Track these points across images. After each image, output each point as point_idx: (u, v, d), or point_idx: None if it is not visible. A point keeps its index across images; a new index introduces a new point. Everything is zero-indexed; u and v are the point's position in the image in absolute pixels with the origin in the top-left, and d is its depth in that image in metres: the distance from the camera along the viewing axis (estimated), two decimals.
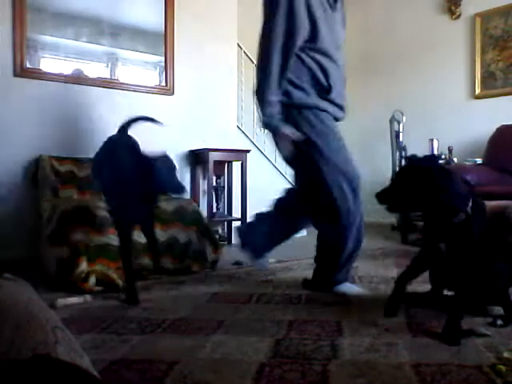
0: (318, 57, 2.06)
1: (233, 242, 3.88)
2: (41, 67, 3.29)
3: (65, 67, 3.38)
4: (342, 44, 2.16)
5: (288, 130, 2.04)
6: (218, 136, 3.98)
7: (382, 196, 1.70)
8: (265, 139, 4.78)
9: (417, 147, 3.79)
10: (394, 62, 5.18)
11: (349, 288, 2.24)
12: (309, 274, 2.64)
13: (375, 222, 4.56)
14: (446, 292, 1.97)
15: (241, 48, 4.38)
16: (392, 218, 4.55)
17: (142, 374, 1.28)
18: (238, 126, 4.23)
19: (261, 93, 2.07)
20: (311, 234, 4.44)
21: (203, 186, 3.91)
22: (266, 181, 4.26)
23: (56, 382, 0.58)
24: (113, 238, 2.49)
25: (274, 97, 2.03)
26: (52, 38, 3.35)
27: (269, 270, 2.75)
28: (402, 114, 4.19)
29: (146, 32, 3.75)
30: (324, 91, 2.09)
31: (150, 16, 3.73)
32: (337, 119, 2.24)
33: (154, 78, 3.82)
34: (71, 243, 2.36)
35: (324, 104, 2.11)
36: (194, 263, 2.75)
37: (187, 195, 3.79)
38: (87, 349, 1.45)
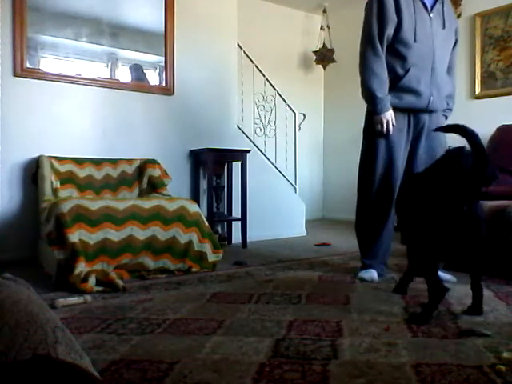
0: (398, 46, 2.38)
1: (233, 241, 3.89)
2: (41, 67, 3.29)
3: (65, 67, 3.38)
4: (435, 37, 2.41)
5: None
6: (218, 136, 3.98)
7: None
8: (265, 139, 4.78)
9: None
10: None
11: (366, 272, 2.49)
12: (309, 274, 2.65)
13: None
14: None
15: (241, 48, 4.38)
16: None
17: (142, 373, 1.28)
18: (238, 126, 4.23)
19: (363, 85, 2.43)
20: (311, 234, 4.45)
21: (203, 185, 3.92)
22: (266, 181, 4.26)
23: (56, 382, 0.58)
24: (111, 233, 2.51)
25: (375, 85, 2.37)
26: (52, 38, 3.35)
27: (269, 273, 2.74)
28: None
29: (146, 32, 3.75)
30: (398, 78, 2.39)
31: (150, 16, 3.73)
32: (415, 110, 2.44)
33: (154, 77, 3.82)
34: (69, 244, 2.36)
35: (390, 97, 2.39)
36: (194, 263, 2.75)
37: (187, 195, 3.79)
38: (87, 349, 1.46)
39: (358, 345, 1.50)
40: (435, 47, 2.38)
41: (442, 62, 2.45)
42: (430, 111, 2.45)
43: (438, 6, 2.43)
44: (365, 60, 2.39)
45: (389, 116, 2.37)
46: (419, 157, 2.47)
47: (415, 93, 2.38)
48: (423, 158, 2.46)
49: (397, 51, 2.38)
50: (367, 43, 2.38)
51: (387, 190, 2.45)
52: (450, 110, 2.64)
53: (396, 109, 2.41)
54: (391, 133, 2.40)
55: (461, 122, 1.79)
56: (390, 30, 2.35)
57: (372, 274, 2.46)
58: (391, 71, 2.40)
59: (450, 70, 2.56)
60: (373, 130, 2.44)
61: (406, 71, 2.37)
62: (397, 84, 2.39)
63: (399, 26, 2.35)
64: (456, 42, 2.56)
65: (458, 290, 2.22)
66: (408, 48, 2.36)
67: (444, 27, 2.43)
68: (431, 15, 2.40)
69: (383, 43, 2.37)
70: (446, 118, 2.64)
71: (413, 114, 2.44)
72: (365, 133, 2.53)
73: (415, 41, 2.35)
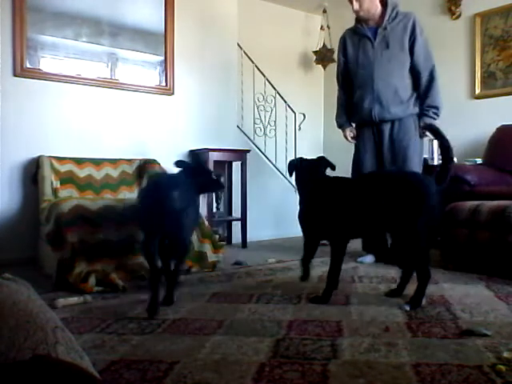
0: (351, 76, 3.02)
1: (233, 241, 3.89)
2: (41, 67, 3.28)
3: (65, 67, 3.38)
4: (378, 62, 2.87)
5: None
6: (218, 136, 3.98)
7: None
8: (265, 139, 4.78)
9: None
10: None
11: (366, 258, 3.02)
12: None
13: None
14: None
15: (241, 48, 4.38)
16: None
17: (142, 373, 1.28)
18: (238, 126, 4.23)
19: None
20: None
21: None
22: (266, 181, 4.26)
23: (56, 382, 0.58)
24: (111, 233, 2.50)
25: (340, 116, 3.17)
26: (52, 38, 3.35)
27: (271, 269, 2.75)
28: None
29: (146, 32, 3.75)
30: (352, 100, 3.02)
31: (149, 16, 3.73)
32: (372, 123, 2.93)
33: (154, 77, 3.81)
34: (69, 244, 2.36)
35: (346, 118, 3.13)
36: (194, 263, 2.75)
37: None
38: (87, 349, 1.46)
39: (358, 345, 1.50)
40: (374, 70, 2.84)
41: (384, 80, 2.83)
42: (383, 121, 2.87)
43: (381, 31, 2.83)
44: None
45: (346, 131, 3.08)
46: (385, 161, 2.90)
47: (361, 109, 2.92)
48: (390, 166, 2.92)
49: (351, 80, 3.01)
50: None
51: None
52: (432, 107, 2.83)
53: (362, 123, 2.99)
54: (352, 142, 3.08)
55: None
56: (341, 68, 3.06)
57: (370, 258, 2.98)
58: (352, 96, 3.01)
59: (418, 73, 2.83)
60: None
61: (355, 93, 2.97)
62: (352, 105, 3.00)
63: (347, 62, 3.02)
64: (413, 45, 2.80)
65: (458, 289, 2.22)
66: (354, 76, 2.97)
67: (388, 47, 2.82)
68: (375, 43, 2.86)
69: (340, 78, 3.09)
70: (434, 118, 2.82)
71: (375, 126, 2.92)
72: None
73: (357, 68, 2.92)
